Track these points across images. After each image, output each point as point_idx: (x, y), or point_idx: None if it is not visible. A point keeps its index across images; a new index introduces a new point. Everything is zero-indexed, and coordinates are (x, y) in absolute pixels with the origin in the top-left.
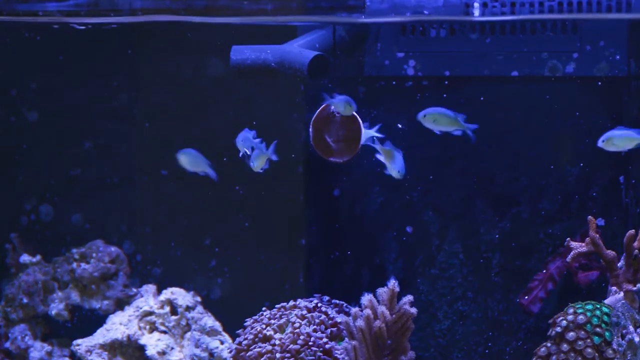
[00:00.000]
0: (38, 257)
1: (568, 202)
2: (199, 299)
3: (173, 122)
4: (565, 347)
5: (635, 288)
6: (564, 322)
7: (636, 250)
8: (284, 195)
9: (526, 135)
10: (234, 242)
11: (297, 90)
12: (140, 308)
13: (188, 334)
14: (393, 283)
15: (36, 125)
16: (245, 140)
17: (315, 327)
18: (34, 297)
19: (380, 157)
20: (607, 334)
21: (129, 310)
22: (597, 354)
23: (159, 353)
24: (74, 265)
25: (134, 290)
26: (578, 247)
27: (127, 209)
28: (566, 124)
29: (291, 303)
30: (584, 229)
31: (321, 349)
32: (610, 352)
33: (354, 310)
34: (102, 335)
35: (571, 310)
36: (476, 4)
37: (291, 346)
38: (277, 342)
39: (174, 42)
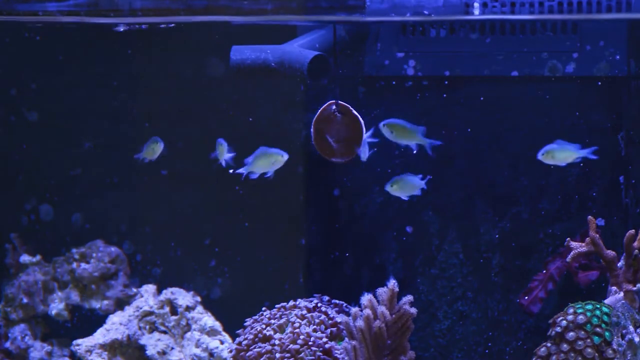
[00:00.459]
0: (38, 257)
1: (568, 202)
2: (199, 299)
3: (173, 122)
4: (565, 347)
5: (635, 288)
6: (564, 322)
7: (636, 250)
8: (284, 195)
9: (526, 135)
10: (234, 242)
11: (297, 90)
12: (140, 308)
13: (188, 334)
14: (393, 283)
15: (36, 125)
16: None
17: (315, 327)
18: (34, 297)
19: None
20: (607, 334)
21: (129, 310)
22: (597, 354)
23: (159, 353)
24: (74, 265)
25: (134, 290)
26: (578, 247)
27: (127, 209)
28: (566, 124)
29: (291, 303)
30: (584, 229)
31: (321, 348)
32: (610, 352)
33: (354, 310)
34: (102, 335)
35: (571, 310)
36: (476, 4)
37: (291, 346)
38: (277, 342)
39: (174, 42)
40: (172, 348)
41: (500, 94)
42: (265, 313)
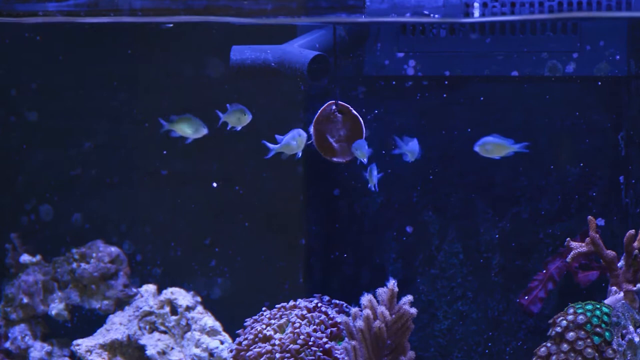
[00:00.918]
0: (38, 257)
1: (568, 202)
2: (199, 299)
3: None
4: (565, 347)
5: (635, 288)
6: (564, 322)
7: (636, 250)
8: (284, 195)
9: (526, 135)
10: (234, 242)
11: (297, 90)
12: (140, 308)
13: (188, 334)
14: (392, 283)
15: (36, 125)
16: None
17: (315, 327)
18: (34, 297)
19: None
20: (607, 334)
21: (129, 310)
22: (597, 354)
23: (159, 353)
24: (74, 265)
25: (134, 290)
26: (578, 247)
27: (127, 209)
28: (566, 124)
29: (291, 303)
30: (584, 229)
31: (321, 348)
32: (610, 352)
33: (354, 310)
34: (102, 335)
35: (571, 310)
36: (476, 4)
37: (291, 346)
38: (277, 342)
39: (174, 42)
40: (172, 348)
41: (500, 94)
42: (265, 313)
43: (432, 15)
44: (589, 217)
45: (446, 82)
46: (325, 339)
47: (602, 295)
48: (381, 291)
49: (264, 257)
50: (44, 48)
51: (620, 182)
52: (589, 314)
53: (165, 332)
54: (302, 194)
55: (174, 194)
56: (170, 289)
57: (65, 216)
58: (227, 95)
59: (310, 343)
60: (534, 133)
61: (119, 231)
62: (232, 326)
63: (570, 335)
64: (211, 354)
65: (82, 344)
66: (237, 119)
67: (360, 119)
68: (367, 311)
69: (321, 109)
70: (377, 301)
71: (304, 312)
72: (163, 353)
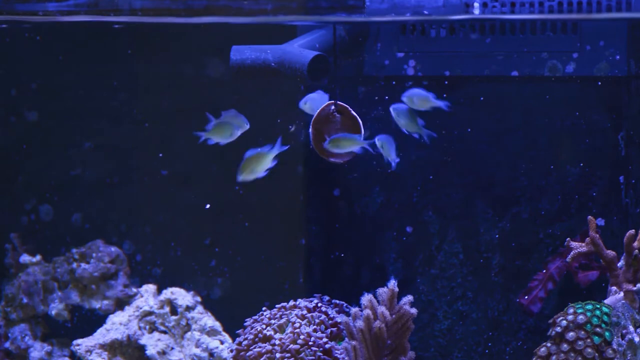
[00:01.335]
0: (38, 257)
1: (568, 202)
2: (199, 299)
3: (173, 122)
4: (565, 347)
5: (635, 288)
6: (564, 322)
7: (636, 250)
8: (284, 195)
9: (526, 135)
10: (234, 242)
11: (297, 90)
12: (140, 308)
13: (188, 334)
14: (393, 283)
15: (36, 125)
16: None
17: (315, 327)
18: (34, 297)
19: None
20: (607, 334)
21: (129, 310)
22: (597, 354)
23: (159, 353)
24: (74, 265)
25: (134, 290)
26: (578, 247)
27: (127, 209)
28: (566, 124)
29: (291, 303)
30: (584, 229)
31: (321, 348)
32: (610, 352)
33: (354, 310)
34: (102, 335)
35: (571, 310)
36: (476, 4)
37: (291, 346)
38: (277, 342)
39: (174, 42)
40: (172, 348)
41: (500, 94)
42: (265, 313)
43: (432, 15)
44: (589, 217)
45: (446, 82)
46: (325, 339)
47: (602, 295)
48: (381, 291)
49: (264, 257)
50: (44, 48)
51: (620, 182)
52: (589, 313)
53: (165, 332)
54: (302, 194)
55: (174, 194)
56: (170, 289)
57: (65, 216)
58: (227, 95)
59: (310, 343)
60: (534, 133)
61: (119, 231)
62: (232, 326)
63: (570, 335)
64: (211, 354)
65: (82, 344)
66: (224, 133)
67: (359, 119)
68: (368, 311)
69: (320, 109)
70: (378, 301)
71: (304, 312)
72: (163, 353)
